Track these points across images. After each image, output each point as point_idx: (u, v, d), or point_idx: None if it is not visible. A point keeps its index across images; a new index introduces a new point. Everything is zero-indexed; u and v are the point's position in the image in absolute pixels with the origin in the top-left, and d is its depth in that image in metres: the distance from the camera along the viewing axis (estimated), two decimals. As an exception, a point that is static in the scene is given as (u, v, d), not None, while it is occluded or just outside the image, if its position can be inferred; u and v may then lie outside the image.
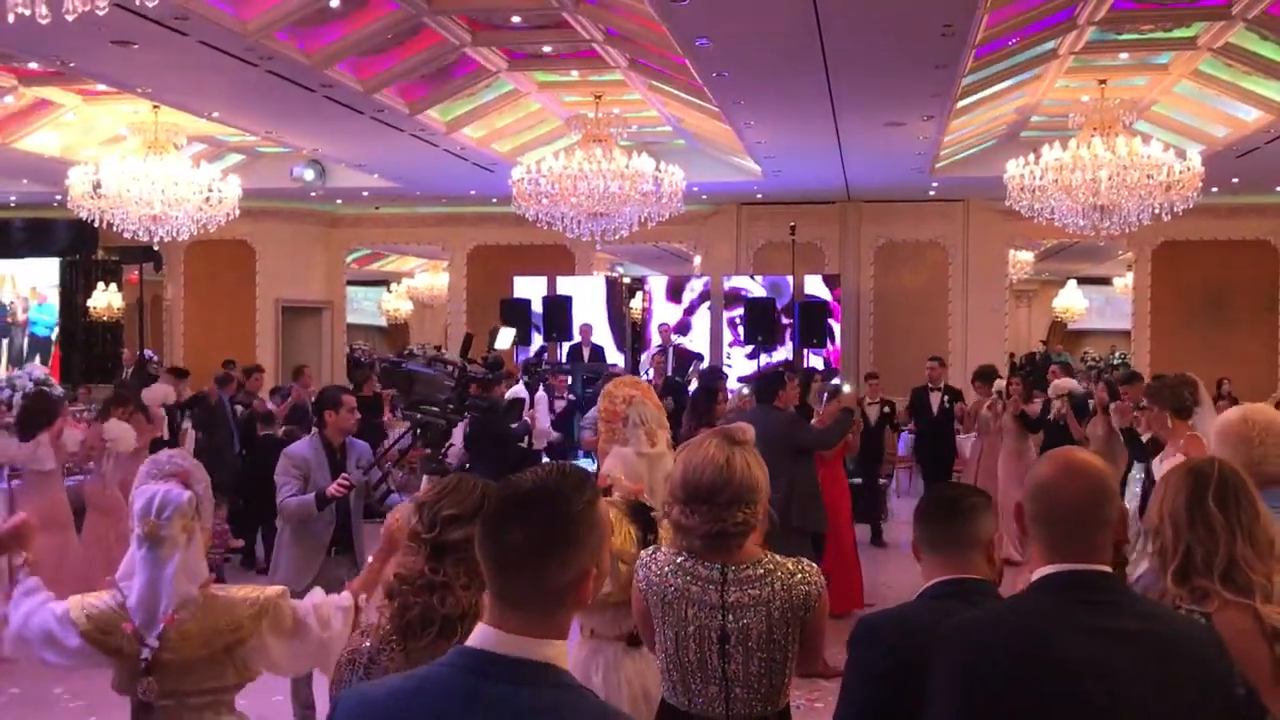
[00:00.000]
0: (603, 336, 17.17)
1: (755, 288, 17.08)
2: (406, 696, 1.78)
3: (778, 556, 2.96)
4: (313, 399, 8.01)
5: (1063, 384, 10.47)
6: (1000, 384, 11.35)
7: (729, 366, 16.40)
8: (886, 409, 12.49)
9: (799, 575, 2.92)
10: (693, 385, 13.19)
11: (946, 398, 12.09)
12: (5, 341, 19.03)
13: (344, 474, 5.94)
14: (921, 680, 2.35)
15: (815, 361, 16.26)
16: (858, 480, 12.83)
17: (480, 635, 1.79)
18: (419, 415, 6.19)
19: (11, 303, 19.18)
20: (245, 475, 11.24)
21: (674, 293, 17.92)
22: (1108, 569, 2.29)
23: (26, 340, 19.02)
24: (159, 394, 10.08)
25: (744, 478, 2.86)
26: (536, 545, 1.76)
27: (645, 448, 3.56)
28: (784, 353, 16.67)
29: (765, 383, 8.64)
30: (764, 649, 2.87)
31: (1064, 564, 2.26)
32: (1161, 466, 5.74)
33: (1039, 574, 2.30)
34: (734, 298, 17.07)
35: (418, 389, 6.25)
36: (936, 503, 2.82)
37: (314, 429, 6.35)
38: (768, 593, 2.87)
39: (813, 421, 8.90)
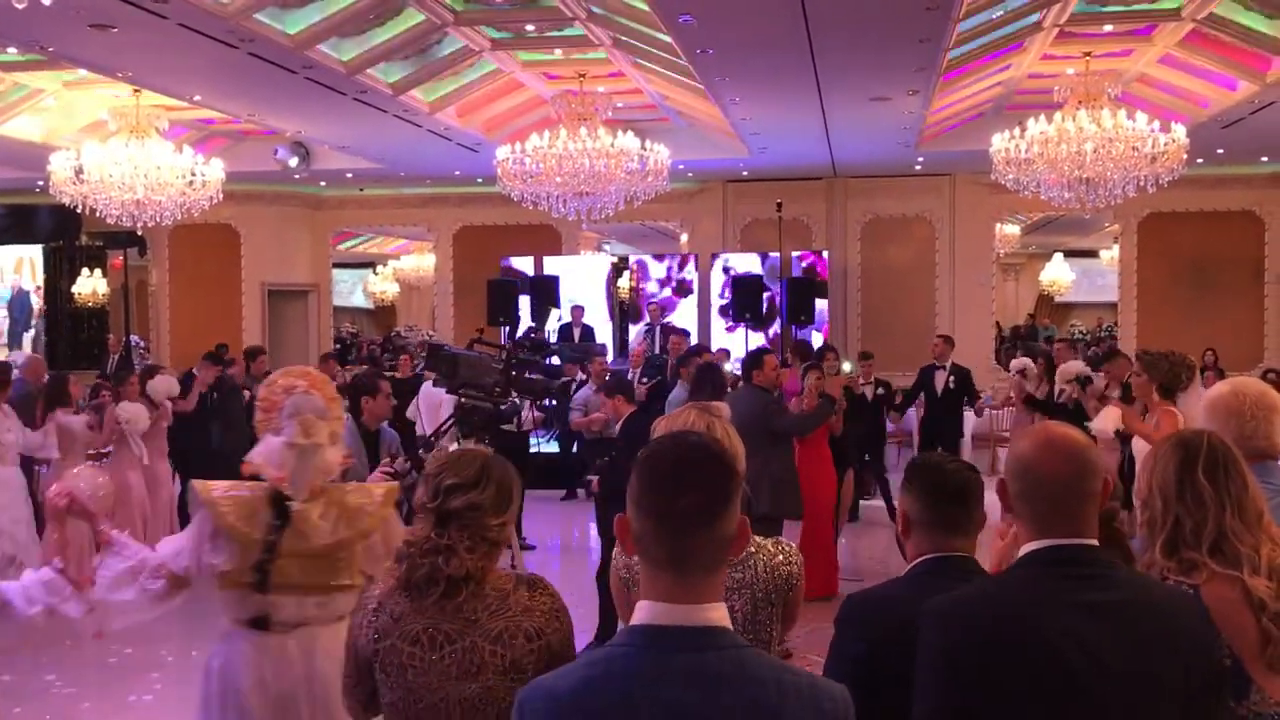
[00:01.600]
0: (601, 316, 17.24)
1: (754, 265, 17.03)
2: (593, 684, 1.81)
3: (758, 538, 2.93)
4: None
5: (1069, 368, 10.24)
6: (1021, 363, 11.07)
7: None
8: (881, 390, 12.15)
9: (780, 556, 2.94)
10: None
11: (953, 377, 11.91)
12: (28, 335, 18.82)
13: (385, 462, 5.86)
14: (900, 657, 2.37)
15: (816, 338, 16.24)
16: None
17: (650, 611, 1.82)
18: (463, 399, 6.08)
19: (34, 290, 18.98)
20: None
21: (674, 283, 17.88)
22: (1094, 542, 2.28)
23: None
24: (164, 386, 10.08)
25: (725, 446, 2.88)
26: (712, 503, 1.82)
27: (298, 439, 3.58)
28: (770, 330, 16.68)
29: (745, 361, 8.60)
30: (749, 631, 2.88)
31: (1049, 539, 2.26)
32: (1138, 444, 5.71)
33: (1024, 550, 2.30)
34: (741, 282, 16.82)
35: (463, 372, 6.11)
36: (944, 487, 2.75)
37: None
38: (751, 575, 2.88)
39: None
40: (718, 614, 1.82)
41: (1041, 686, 2.16)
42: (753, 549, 2.92)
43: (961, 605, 2.31)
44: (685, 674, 1.76)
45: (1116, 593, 2.24)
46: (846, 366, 9.77)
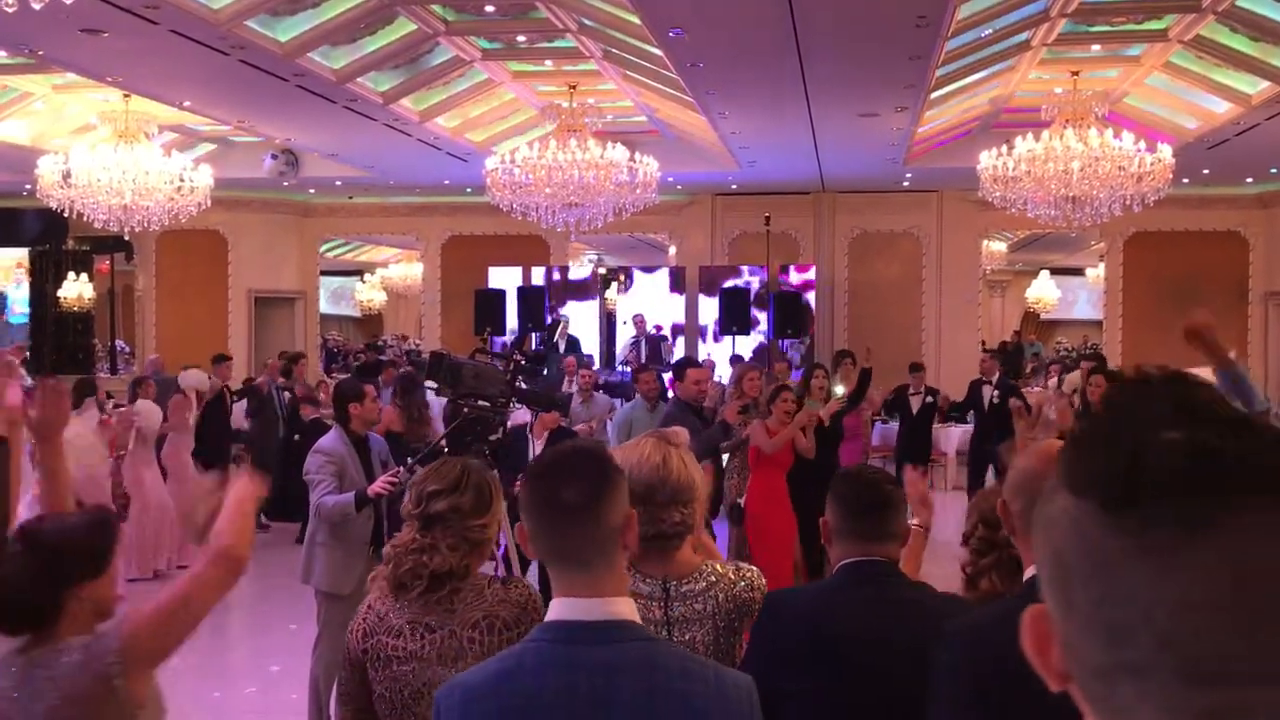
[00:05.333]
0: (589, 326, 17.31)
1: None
2: (507, 676, 1.92)
3: (717, 566, 2.90)
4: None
5: (1075, 378, 10.17)
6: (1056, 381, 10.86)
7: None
8: (929, 398, 11.88)
9: (742, 583, 2.87)
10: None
11: (997, 392, 11.67)
12: None
13: (391, 471, 5.82)
14: (808, 655, 2.47)
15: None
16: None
17: (558, 608, 1.92)
18: (466, 409, 6.02)
19: None
20: (296, 458, 11.69)
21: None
22: None
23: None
24: (193, 378, 11.07)
25: (680, 478, 2.79)
26: (592, 493, 1.92)
27: None
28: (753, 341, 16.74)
29: (672, 373, 8.48)
30: (713, 658, 2.76)
31: None
32: None
33: (1032, 571, 2.26)
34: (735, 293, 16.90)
35: (467, 382, 6.04)
36: (863, 497, 2.81)
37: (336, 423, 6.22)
38: (712, 606, 2.81)
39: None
40: (622, 607, 1.91)
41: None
42: (714, 579, 2.85)
43: (982, 627, 2.31)
44: (591, 665, 1.85)
45: None
46: (839, 390, 9.42)
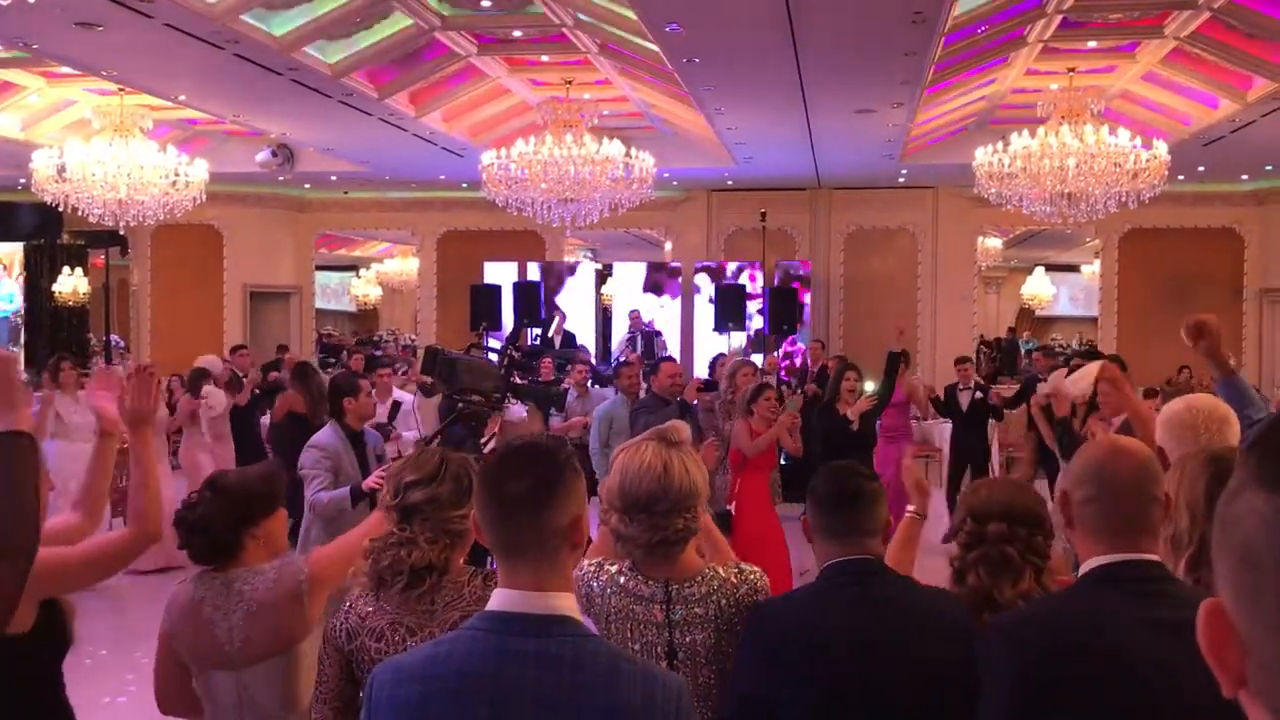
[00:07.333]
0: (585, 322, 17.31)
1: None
2: (437, 661, 1.94)
3: (719, 569, 2.85)
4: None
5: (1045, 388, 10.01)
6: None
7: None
8: (979, 393, 11.40)
9: (744, 587, 2.84)
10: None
11: None
12: None
13: (380, 470, 5.82)
14: (797, 660, 2.49)
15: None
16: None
17: (498, 598, 1.95)
18: (462, 405, 6.01)
19: None
20: None
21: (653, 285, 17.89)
22: (1157, 559, 2.24)
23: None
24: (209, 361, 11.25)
25: (682, 484, 2.73)
26: (536, 491, 1.94)
27: None
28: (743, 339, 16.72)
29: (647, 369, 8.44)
30: (714, 661, 2.80)
31: (1116, 554, 2.21)
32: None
33: (1089, 565, 2.25)
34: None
35: (462, 377, 6.03)
36: (836, 494, 2.79)
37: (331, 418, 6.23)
38: (714, 610, 2.79)
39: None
40: (561, 603, 1.93)
41: (1119, 706, 2.11)
42: (715, 583, 2.81)
43: (1032, 625, 2.29)
44: (520, 657, 1.87)
45: (1186, 611, 2.21)
46: (869, 387, 8.90)
